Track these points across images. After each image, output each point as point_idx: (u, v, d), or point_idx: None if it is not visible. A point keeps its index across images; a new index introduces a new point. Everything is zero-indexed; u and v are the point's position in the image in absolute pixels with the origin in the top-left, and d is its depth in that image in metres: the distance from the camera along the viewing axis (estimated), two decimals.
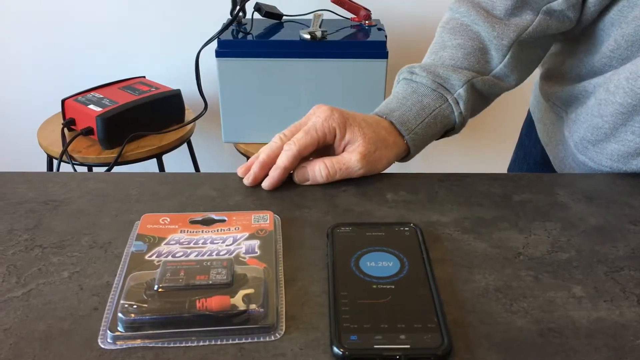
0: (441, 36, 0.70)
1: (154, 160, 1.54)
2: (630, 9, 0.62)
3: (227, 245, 0.48)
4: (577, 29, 0.69)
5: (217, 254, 0.46)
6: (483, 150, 1.98)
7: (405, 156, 0.65)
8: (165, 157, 1.57)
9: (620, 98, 0.62)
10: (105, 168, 1.41)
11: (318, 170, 0.58)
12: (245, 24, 1.48)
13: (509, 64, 0.68)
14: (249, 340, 0.40)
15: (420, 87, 0.66)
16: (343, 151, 0.60)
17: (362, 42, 1.40)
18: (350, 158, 0.58)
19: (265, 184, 0.58)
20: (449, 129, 0.68)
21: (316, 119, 0.59)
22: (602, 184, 0.60)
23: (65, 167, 1.42)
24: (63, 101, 1.48)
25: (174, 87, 1.57)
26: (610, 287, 0.46)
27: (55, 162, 1.43)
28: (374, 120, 0.62)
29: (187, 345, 0.39)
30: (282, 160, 0.57)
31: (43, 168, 1.72)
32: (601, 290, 0.45)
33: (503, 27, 0.66)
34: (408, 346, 0.38)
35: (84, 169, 1.59)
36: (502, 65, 0.68)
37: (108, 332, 0.40)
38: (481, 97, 0.69)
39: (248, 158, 1.49)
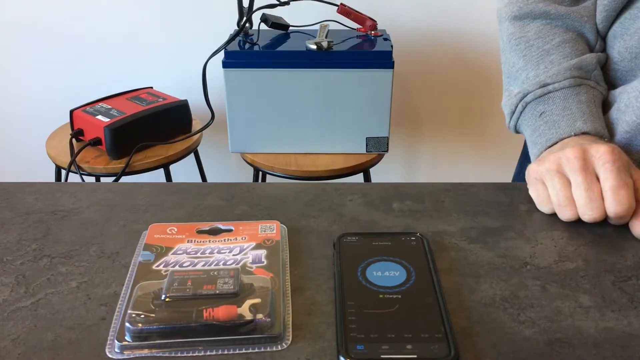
0: (530, 45, 0.68)
1: (161, 170, 1.54)
2: (632, 22, 0.63)
3: (234, 255, 0.48)
4: None
5: (224, 264, 0.46)
6: (488, 160, 1.98)
7: None
8: (172, 167, 1.58)
9: (629, 117, 0.62)
10: (113, 178, 1.42)
11: None
12: (252, 34, 1.48)
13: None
14: (256, 350, 0.40)
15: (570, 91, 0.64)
16: None
17: (368, 52, 1.40)
18: None
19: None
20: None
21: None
22: None
23: (74, 177, 1.43)
24: (71, 112, 1.49)
25: (181, 98, 1.58)
26: (618, 296, 0.45)
27: (63, 172, 1.44)
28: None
29: (194, 355, 0.39)
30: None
31: (51, 178, 1.73)
32: (609, 300, 0.45)
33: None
34: (415, 356, 0.38)
35: (92, 179, 1.60)
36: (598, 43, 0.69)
37: (116, 341, 0.40)
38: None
39: (255, 168, 1.49)
